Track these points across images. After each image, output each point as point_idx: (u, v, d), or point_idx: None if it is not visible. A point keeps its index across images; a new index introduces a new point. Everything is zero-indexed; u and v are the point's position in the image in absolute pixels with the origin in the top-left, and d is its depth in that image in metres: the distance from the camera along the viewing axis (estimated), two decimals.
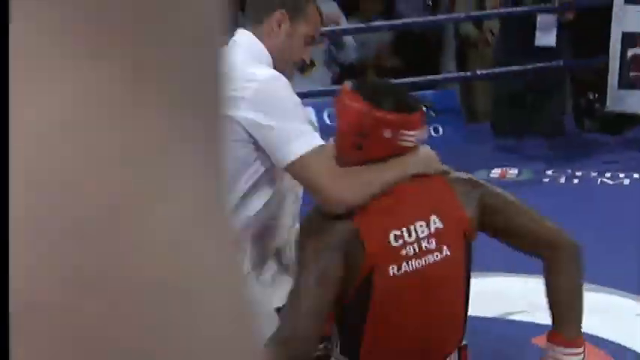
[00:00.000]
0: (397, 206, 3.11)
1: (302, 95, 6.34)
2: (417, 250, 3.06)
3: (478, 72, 7.65)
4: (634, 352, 3.84)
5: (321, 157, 3.16)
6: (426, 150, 3.22)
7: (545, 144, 7.10)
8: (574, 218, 5.36)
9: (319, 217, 3.15)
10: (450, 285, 3.16)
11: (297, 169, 3.17)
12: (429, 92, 7.26)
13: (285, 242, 3.54)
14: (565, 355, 3.18)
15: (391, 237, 3.04)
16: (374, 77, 7.96)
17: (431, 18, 9.12)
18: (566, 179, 6.22)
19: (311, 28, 3.41)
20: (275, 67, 3.31)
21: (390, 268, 3.04)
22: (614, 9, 6.94)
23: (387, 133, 3.09)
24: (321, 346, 3.31)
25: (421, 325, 3.13)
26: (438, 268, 3.09)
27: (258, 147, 3.19)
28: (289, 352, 2.97)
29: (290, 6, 3.35)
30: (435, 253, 3.08)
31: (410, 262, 3.05)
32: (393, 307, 3.10)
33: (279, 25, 3.34)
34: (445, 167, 3.26)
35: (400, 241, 3.05)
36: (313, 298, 3.01)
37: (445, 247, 3.09)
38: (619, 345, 3.90)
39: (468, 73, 7.91)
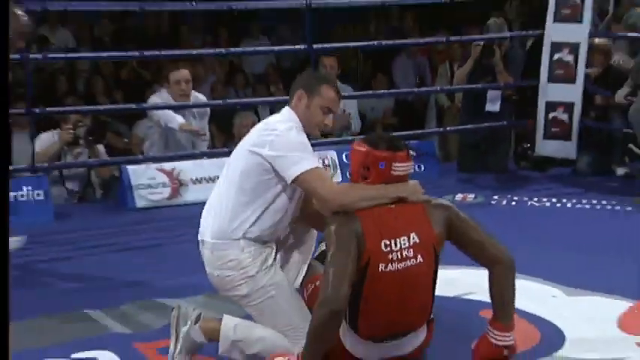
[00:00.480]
0: (389, 222, 3.16)
1: (328, 142, 6.56)
2: (399, 256, 3.12)
3: (448, 128, 7.75)
4: (549, 321, 3.85)
5: (316, 173, 3.25)
6: (413, 182, 3.27)
7: (493, 177, 7.12)
8: (510, 228, 5.47)
9: (337, 216, 3.19)
10: (422, 283, 3.20)
11: (300, 182, 3.24)
12: (414, 142, 7.33)
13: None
14: (500, 336, 3.27)
15: (382, 244, 3.11)
16: (379, 131, 8.07)
17: (415, 90, 9.23)
18: (506, 202, 6.26)
19: (325, 101, 3.41)
20: (305, 130, 3.40)
21: (380, 265, 3.11)
22: (540, 85, 7.04)
23: (382, 165, 3.19)
24: None
25: (399, 308, 3.19)
26: (414, 270, 3.15)
27: (277, 174, 3.27)
28: (328, 307, 3.00)
29: (306, 87, 3.42)
30: (412, 260, 3.14)
31: (394, 264, 3.12)
32: (379, 293, 3.15)
33: (300, 100, 3.42)
34: (426, 197, 3.27)
35: (388, 248, 3.11)
36: (342, 269, 3.04)
37: (419, 256, 3.15)
38: (538, 316, 3.91)
39: (441, 129, 7.97)
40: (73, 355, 3.53)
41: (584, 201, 6.19)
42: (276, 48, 8.51)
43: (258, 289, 3.30)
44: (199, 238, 3.40)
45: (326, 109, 3.42)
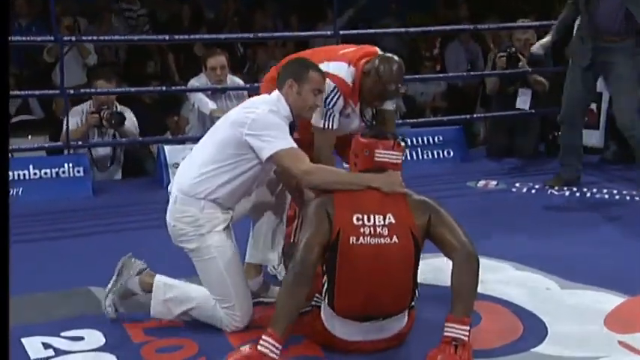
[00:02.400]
0: (364, 200, 3.15)
1: None
2: (372, 231, 3.08)
3: (475, 115, 7.45)
4: (535, 315, 3.62)
5: (290, 153, 3.29)
6: (393, 174, 3.23)
7: (520, 164, 6.75)
8: (523, 216, 5.26)
9: (316, 196, 3.29)
10: (398, 264, 3.12)
11: (275, 160, 3.32)
12: (439, 129, 7.02)
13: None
14: (451, 329, 3.05)
15: (354, 218, 3.09)
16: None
17: (454, 75, 9.05)
18: (527, 190, 5.91)
19: (314, 85, 3.47)
20: (295, 114, 3.46)
21: (351, 237, 3.08)
22: None
23: (366, 152, 3.22)
24: (315, 299, 3.28)
25: (374, 286, 3.10)
26: (389, 249, 3.09)
27: (252, 152, 3.34)
28: (295, 271, 3.06)
29: (295, 76, 3.46)
30: (387, 238, 3.09)
31: (366, 237, 3.08)
32: (352, 266, 3.10)
33: (291, 88, 3.45)
34: (403, 190, 3.21)
35: (360, 222, 3.09)
36: (310, 240, 3.08)
37: (395, 236, 3.09)
38: (525, 309, 3.69)
39: (467, 116, 7.61)
40: (62, 333, 3.45)
41: (604, 190, 5.84)
42: (303, 34, 8.30)
43: (204, 247, 3.41)
44: (169, 189, 3.54)
45: (316, 90, 3.49)
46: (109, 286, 3.56)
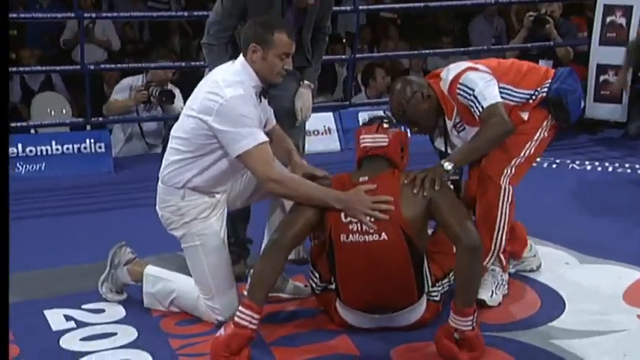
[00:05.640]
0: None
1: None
2: (359, 228, 3.03)
3: None
4: (553, 290, 3.63)
5: (256, 154, 3.13)
6: (362, 196, 3.08)
7: None
8: (543, 191, 5.20)
9: None
10: (393, 261, 3.05)
11: (243, 159, 3.16)
12: None
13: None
14: (453, 319, 2.96)
15: (342, 214, 3.05)
16: None
17: (474, 49, 8.73)
18: (548, 164, 5.87)
19: (280, 49, 3.22)
20: (263, 80, 3.25)
21: (341, 235, 3.05)
22: (592, 48, 6.67)
23: (357, 140, 3.26)
24: (324, 284, 3.29)
25: (372, 282, 3.08)
26: (378, 246, 3.03)
27: (219, 141, 3.19)
28: (273, 240, 3.07)
29: (259, 40, 3.21)
30: (375, 235, 3.02)
31: (355, 235, 3.04)
32: (347, 262, 3.08)
33: (255, 53, 3.22)
34: (368, 212, 3.04)
35: (348, 219, 3.04)
36: (292, 220, 3.11)
37: (383, 233, 3.02)
38: (543, 284, 3.69)
39: None
40: (84, 306, 3.51)
41: (626, 165, 5.82)
42: None
43: (189, 234, 3.33)
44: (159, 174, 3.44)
45: (283, 55, 3.25)
46: (103, 276, 3.58)
